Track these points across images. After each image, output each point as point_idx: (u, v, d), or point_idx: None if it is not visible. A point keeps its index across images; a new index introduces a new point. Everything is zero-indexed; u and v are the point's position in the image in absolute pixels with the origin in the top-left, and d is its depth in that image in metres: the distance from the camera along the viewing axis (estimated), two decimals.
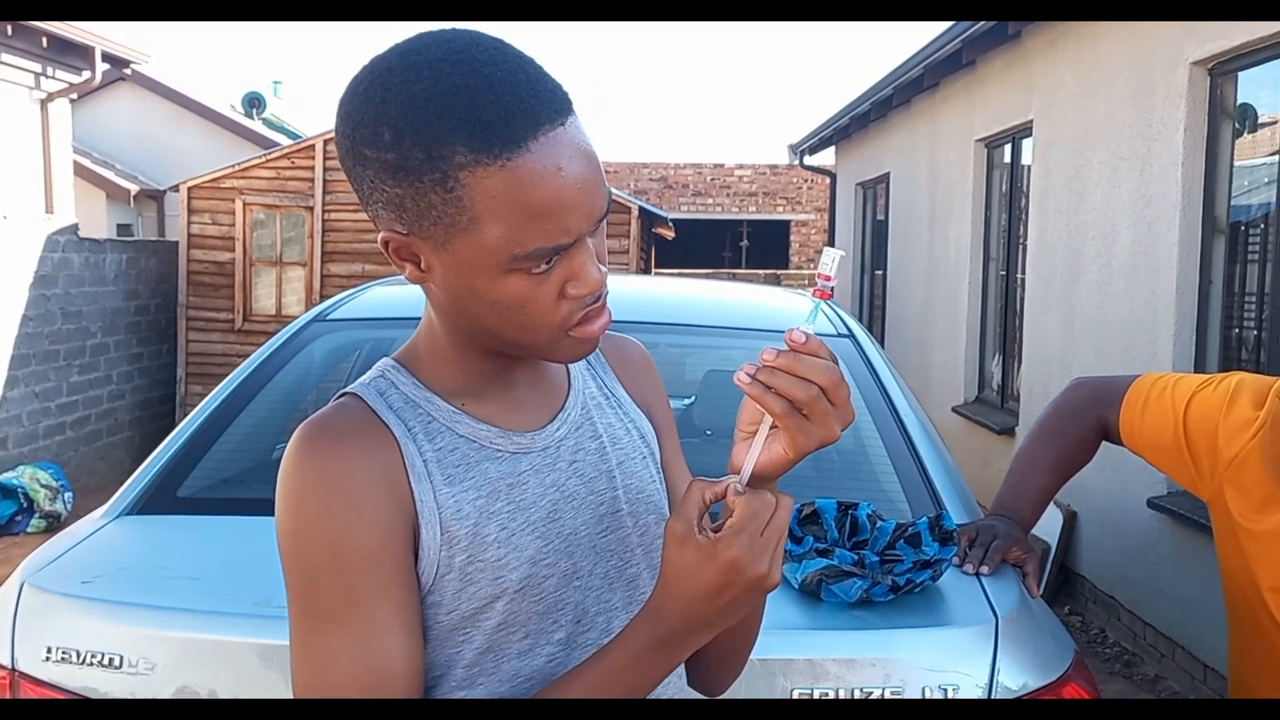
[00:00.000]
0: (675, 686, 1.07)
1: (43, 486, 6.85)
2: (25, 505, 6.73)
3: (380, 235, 0.91)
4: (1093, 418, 1.87)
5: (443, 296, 0.93)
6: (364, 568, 0.88)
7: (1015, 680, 1.53)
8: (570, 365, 1.06)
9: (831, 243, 13.02)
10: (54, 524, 6.68)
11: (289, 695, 1.47)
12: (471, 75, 0.84)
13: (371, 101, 0.86)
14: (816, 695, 1.49)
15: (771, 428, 0.89)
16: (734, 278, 16.60)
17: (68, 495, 7.03)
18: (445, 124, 0.83)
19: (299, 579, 0.89)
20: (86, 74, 8.18)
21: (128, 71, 9.76)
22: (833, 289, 0.89)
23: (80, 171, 11.17)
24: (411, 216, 0.87)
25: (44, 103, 8.00)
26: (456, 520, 0.92)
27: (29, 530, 6.65)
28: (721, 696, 1.13)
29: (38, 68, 7.70)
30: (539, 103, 0.85)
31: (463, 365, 0.97)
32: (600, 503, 1.00)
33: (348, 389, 0.96)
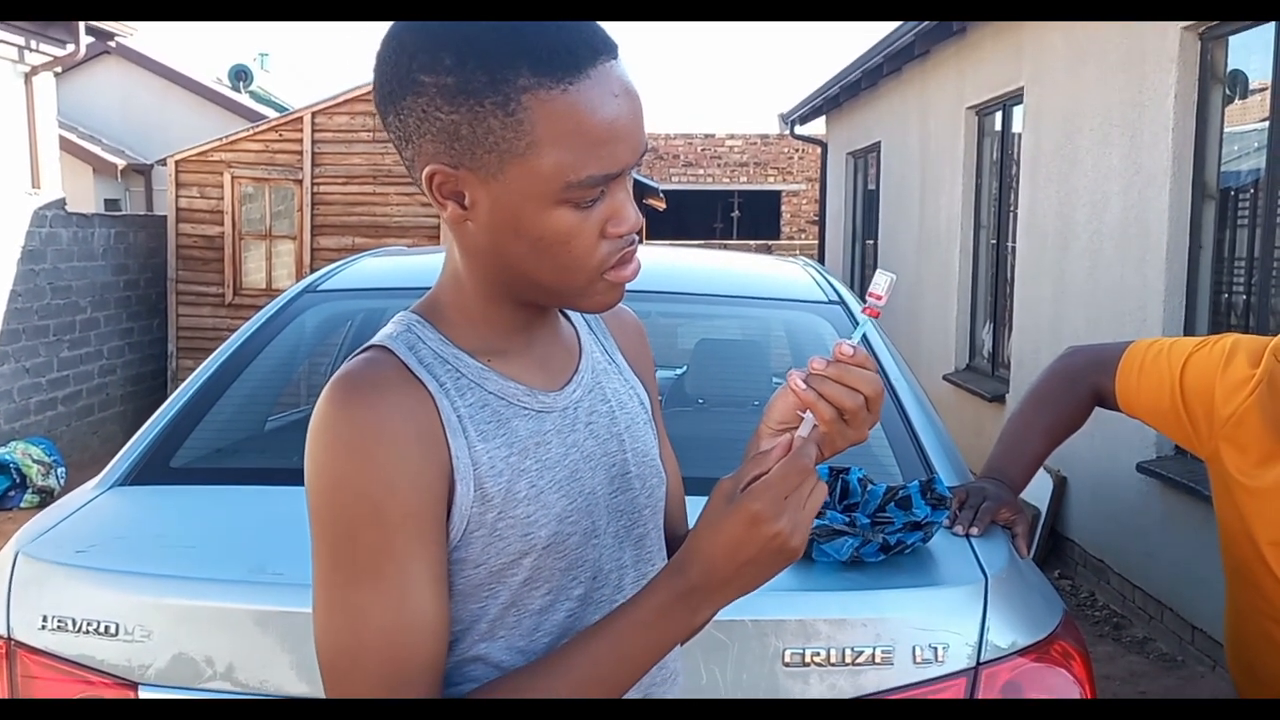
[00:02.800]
0: (673, 671, 1.09)
1: (35, 462, 6.85)
2: (18, 481, 6.73)
3: (426, 170, 0.90)
4: (1087, 384, 1.89)
5: (481, 237, 0.93)
6: (403, 523, 0.88)
7: (1004, 639, 1.55)
8: (579, 330, 1.08)
9: (822, 213, 13.01)
10: (47, 499, 6.68)
11: (283, 659, 1.49)
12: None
13: (430, 29, 0.88)
14: (808, 655, 1.50)
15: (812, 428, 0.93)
16: (725, 248, 16.59)
17: (60, 470, 7.03)
18: (510, 48, 0.86)
19: (336, 532, 0.88)
20: (70, 47, 8.08)
21: (112, 44, 9.67)
22: (881, 309, 0.95)
23: (67, 146, 11.08)
24: (465, 145, 0.88)
25: (28, 76, 7.92)
26: (491, 477, 0.92)
27: (22, 505, 6.66)
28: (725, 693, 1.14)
29: (21, 41, 7.62)
30: (595, 36, 0.89)
31: (488, 320, 0.98)
32: (613, 464, 1.02)
33: (374, 342, 0.95)
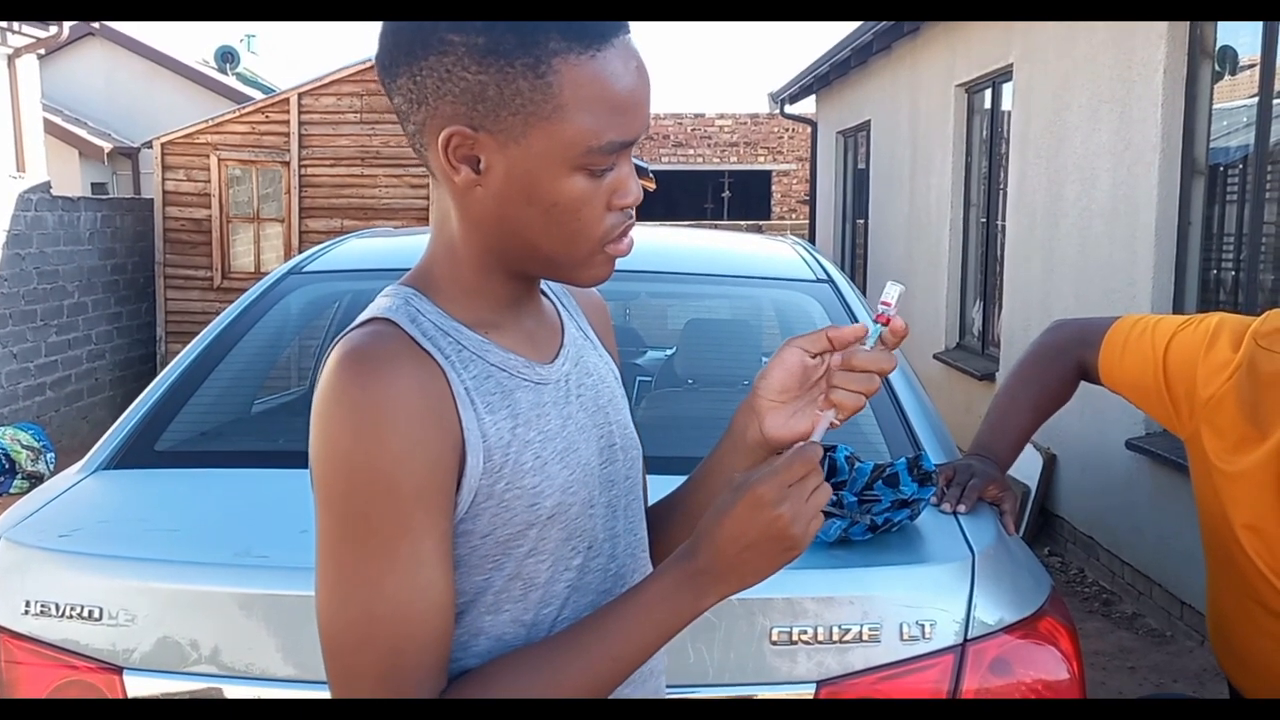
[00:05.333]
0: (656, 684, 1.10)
1: (24, 448, 6.82)
2: (7, 466, 6.71)
3: (444, 132, 0.90)
4: (1072, 358, 1.88)
5: (490, 204, 0.93)
6: (417, 498, 0.88)
7: (991, 615, 1.55)
8: (558, 306, 1.09)
9: (813, 193, 12.99)
10: (36, 485, 6.65)
11: (269, 642, 1.49)
12: None
13: None
14: (795, 633, 1.50)
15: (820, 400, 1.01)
16: (716, 229, 16.51)
17: (49, 456, 7.01)
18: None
19: (347, 507, 0.88)
20: (54, 28, 8.02)
21: (95, 26, 9.57)
22: (890, 316, 1.03)
23: (52, 129, 11.00)
24: (489, 106, 0.89)
25: (11, 59, 7.85)
26: (499, 448, 0.93)
27: (11, 491, 6.64)
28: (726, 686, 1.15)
29: (3, 23, 7.55)
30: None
31: (481, 292, 0.98)
32: (600, 436, 1.04)
33: (375, 314, 0.94)
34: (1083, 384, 1.92)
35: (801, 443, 0.97)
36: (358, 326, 0.93)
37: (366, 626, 0.88)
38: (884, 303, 1.03)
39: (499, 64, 0.87)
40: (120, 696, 1.50)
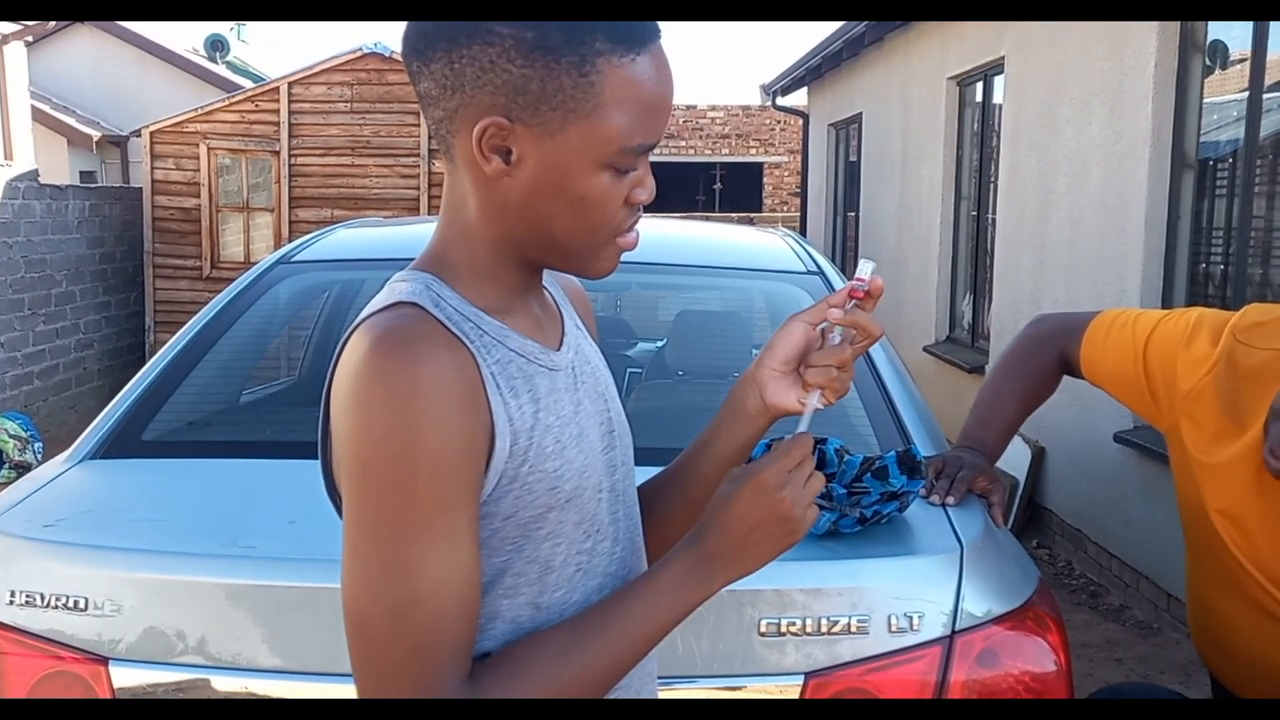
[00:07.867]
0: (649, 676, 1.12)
1: (11, 437, 6.79)
2: None
3: (481, 122, 0.91)
4: (1055, 351, 1.89)
5: (516, 195, 0.94)
6: (456, 476, 0.89)
7: (979, 607, 1.55)
8: (554, 296, 1.11)
9: (804, 185, 12.99)
10: (23, 474, 6.62)
11: (256, 633, 1.48)
12: None
13: None
14: (783, 625, 1.50)
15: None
16: (707, 221, 16.48)
17: (37, 445, 6.98)
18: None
19: (387, 486, 0.87)
20: None
21: None
22: (866, 291, 1.06)
23: (40, 118, 10.95)
24: (531, 100, 0.90)
25: None
26: (523, 432, 0.95)
27: None
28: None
29: None
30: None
31: (496, 279, 0.99)
32: (602, 423, 1.06)
33: (400, 298, 0.94)
34: (1072, 378, 1.93)
35: (796, 433, 1.01)
36: (382, 310, 0.93)
37: (407, 605, 0.88)
38: (859, 279, 1.06)
39: (545, 60, 0.89)
40: (106, 687, 1.49)
